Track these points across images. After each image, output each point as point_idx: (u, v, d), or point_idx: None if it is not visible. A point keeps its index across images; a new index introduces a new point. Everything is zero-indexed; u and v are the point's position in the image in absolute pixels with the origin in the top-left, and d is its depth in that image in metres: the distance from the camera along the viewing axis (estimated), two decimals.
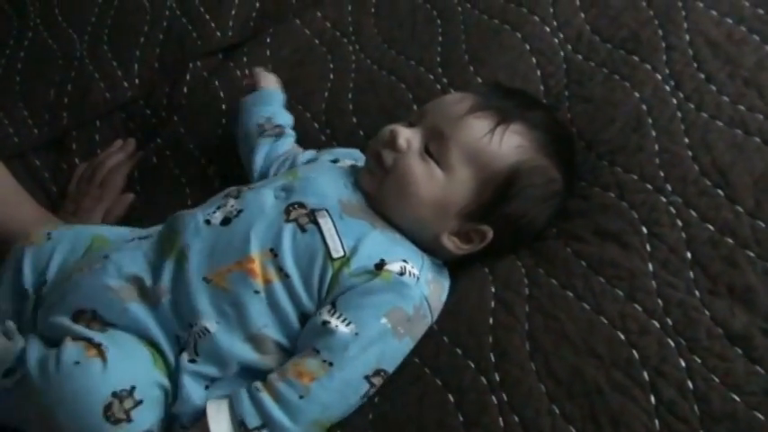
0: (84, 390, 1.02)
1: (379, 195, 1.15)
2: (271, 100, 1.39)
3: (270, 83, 1.40)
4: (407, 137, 1.15)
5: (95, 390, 1.02)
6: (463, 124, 1.14)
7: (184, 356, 1.08)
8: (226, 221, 1.12)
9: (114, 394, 1.02)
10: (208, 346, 1.07)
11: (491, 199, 1.13)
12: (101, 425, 1.01)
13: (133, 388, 1.04)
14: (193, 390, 1.07)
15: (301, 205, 1.12)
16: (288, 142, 1.36)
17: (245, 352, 1.08)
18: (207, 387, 1.08)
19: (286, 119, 1.38)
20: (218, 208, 1.14)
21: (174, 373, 1.08)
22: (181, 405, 1.07)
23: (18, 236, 1.24)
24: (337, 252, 1.09)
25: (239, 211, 1.13)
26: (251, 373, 1.08)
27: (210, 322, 1.08)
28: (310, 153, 1.33)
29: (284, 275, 1.08)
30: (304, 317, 1.08)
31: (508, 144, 1.14)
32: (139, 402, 1.03)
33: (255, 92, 1.39)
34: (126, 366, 1.05)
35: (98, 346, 1.04)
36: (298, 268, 1.08)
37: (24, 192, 1.38)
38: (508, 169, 1.13)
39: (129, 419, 1.02)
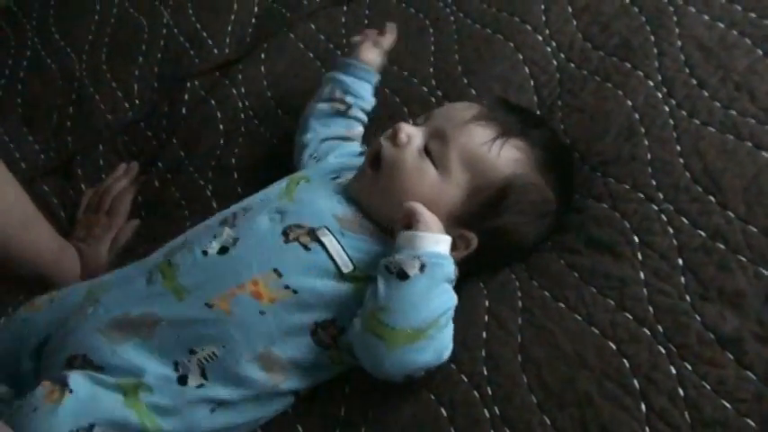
0: (43, 429, 1.04)
1: (372, 190, 1.16)
2: (356, 73, 1.36)
3: (368, 56, 1.37)
4: (409, 133, 1.16)
5: (50, 429, 1.04)
6: (465, 129, 1.15)
7: (190, 383, 1.08)
8: (223, 251, 1.13)
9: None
10: (218, 369, 1.08)
11: (480, 208, 1.13)
12: None
13: (92, 426, 1.04)
14: (201, 414, 1.08)
15: (298, 226, 1.13)
16: (346, 124, 1.35)
17: (254, 372, 1.08)
18: (213, 410, 1.08)
19: (362, 99, 1.36)
20: (215, 237, 1.14)
21: (170, 404, 1.08)
22: (189, 428, 1.08)
23: (35, 260, 1.29)
24: (347, 267, 1.10)
25: (236, 240, 1.13)
26: (260, 395, 1.09)
27: (217, 346, 1.08)
28: (352, 150, 1.32)
29: (292, 291, 1.09)
30: (317, 326, 1.09)
31: (506, 156, 1.14)
32: None
33: (348, 59, 1.37)
34: (84, 407, 1.05)
35: (64, 389, 1.05)
36: (306, 283, 1.09)
37: (42, 217, 1.39)
38: (502, 181, 1.13)
39: None
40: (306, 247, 1.11)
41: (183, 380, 1.08)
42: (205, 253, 1.13)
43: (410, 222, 1.08)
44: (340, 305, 1.09)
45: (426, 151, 1.14)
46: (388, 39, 1.39)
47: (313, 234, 1.11)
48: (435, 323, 1.04)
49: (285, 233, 1.12)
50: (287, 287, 1.08)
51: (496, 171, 1.13)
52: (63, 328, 1.15)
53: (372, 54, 1.37)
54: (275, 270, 1.09)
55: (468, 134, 1.15)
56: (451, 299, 1.06)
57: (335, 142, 1.33)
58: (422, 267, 1.04)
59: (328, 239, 1.11)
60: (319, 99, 1.36)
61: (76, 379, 1.07)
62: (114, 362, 1.08)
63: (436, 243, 1.07)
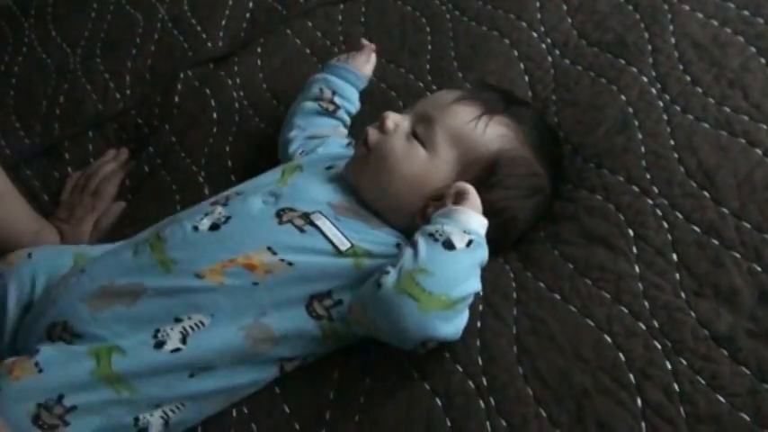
0: (9, 406, 1.04)
1: (363, 177, 1.17)
2: (347, 77, 1.38)
3: (359, 65, 1.39)
4: (396, 120, 1.18)
5: (16, 405, 1.04)
6: (450, 109, 1.17)
7: (166, 347, 1.08)
8: (214, 227, 1.13)
9: (39, 405, 1.04)
10: (201, 337, 1.08)
11: (471, 184, 1.13)
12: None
13: (61, 396, 1.05)
14: (177, 378, 1.08)
15: (292, 209, 1.14)
16: (332, 123, 1.36)
17: (238, 342, 1.09)
18: (191, 375, 1.09)
19: (349, 102, 1.38)
20: (206, 215, 1.15)
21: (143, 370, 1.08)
22: (166, 392, 1.08)
23: (11, 238, 1.27)
24: (344, 245, 1.10)
25: (227, 218, 1.14)
26: (242, 359, 1.10)
27: (205, 315, 1.09)
28: (339, 143, 1.33)
29: (287, 263, 1.09)
30: (313, 298, 1.10)
31: (492, 132, 1.16)
32: (72, 408, 1.05)
33: (339, 63, 1.39)
34: (49, 379, 1.06)
35: (31, 363, 1.06)
36: (303, 258, 1.10)
37: (20, 196, 1.38)
38: (490, 156, 1.15)
39: (65, 423, 1.04)
40: (300, 229, 1.11)
41: (159, 345, 1.08)
42: (196, 228, 1.13)
43: (459, 200, 1.09)
44: (338, 277, 1.10)
45: (414, 135, 1.17)
46: (373, 61, 1.41)
47: (307, 218, 1.12)
48: (465, 300, 1.05)
49: (279, 215, 1.13)
50: (282, 260, 1.09)
51: (484, 147, 1.15)
52: (46, 298, 1.15)
53: (363, 64, 1.40)
54: (269, 248, 1.10)
55: (454, 114, 1.17)
56: (479, 284, 1.08)
57: (321, 139, 1.34)
58: (468, 243, 1.05)
59: (322, 222, 1.12)
60: (306, 98, 1.37)
61: (46, 351, 1.07)
62: (93, 329, 1.09)
63: (482, 226, 1.08)
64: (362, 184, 1.18)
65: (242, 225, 1.13)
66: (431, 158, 1.15)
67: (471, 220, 1.07)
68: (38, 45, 1.70)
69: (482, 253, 1.08)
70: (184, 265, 1.10)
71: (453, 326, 1.05)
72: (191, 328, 1.08)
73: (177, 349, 1.08)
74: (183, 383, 1.09)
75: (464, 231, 1.06)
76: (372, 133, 1.18)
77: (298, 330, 1.10)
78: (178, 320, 1.09)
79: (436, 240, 1.05)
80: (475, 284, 1.07)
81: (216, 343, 1.08)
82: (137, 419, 1.08)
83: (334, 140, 1.34)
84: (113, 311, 1.10)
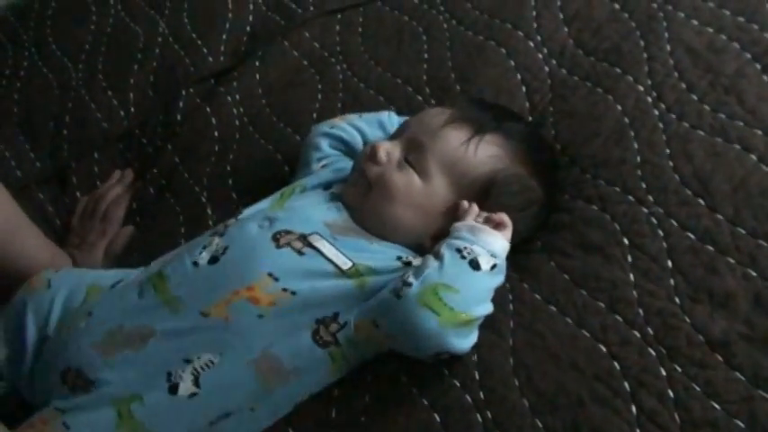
0: None
1: (365, 208, 1.17)
2: (384, 129, 1.34)
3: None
4: (387, 149, 1.18)
5: None
6: (440, 135, 1.17)
7: (181, 392, 1.07)
8: (213, 260, 1.13)
9: None
10: (213, 376, 1.08)
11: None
12: None
13: None
14: (198, 426, 1.08)
15: (288, 232, 1.13)
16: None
17: (249, 377, 1.08)
18: (212, 424, 1.08)
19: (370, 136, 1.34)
20: (204, 248, 1.15)
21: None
22: None
23: (25, 270, 1.26)
24: (345, 264, 1.10)
25: (225, 248, 1.13)
26: (257, 404, 1.10)
27: (213, 354, 1.08)
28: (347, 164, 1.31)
29: (290, 293, 1.09)
30: (318, 323, 1.09)
31: (483, 153, 1.16)
32: None
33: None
34: None
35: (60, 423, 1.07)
36: (305, 285, 1.09)
37: (33, 225, 1.39)
38: (484, 177, 1.15)
39: None
40: (299, 252, 1.11)
41: (173, 389, 1.07)
42: (196, 264, 1.13)
43: (498, 229, 1.10)
44: (343, 300, 1.09)
45: (407, 162, 1.17)
46: None
47: (305, 240, 1.12)
48: (480, 319, 1.07)
49: (275, 238, 1.13)
50: (285, 290, 1.09)
51: (477, 170, 1.16)
52: (58, 338, 1.15)
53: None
54: (270, 274, 1.09)
55: (443, 139, 1.17)
56: (492, 306, 1.09)
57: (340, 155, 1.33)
58: (493, 267, 1.07)
59: (321, 243, 1.12)
60: (335, 136, 1.34)
61: (71, 412, 1.08)
62: (107, 376, 1.09)
63: (504, 250, 1.09)
64: (366, 217, 1.17)
65: (240, 252, 1.13)
66: (426, 186, 1.16)
67: (496, 243, 1.08)
68: (38, 59, 1.70)
69: (501, 278, 1.10)
70: (190, 304, 1.10)
71: (468, 341, 1.07)
72: (201, 368, 1.08)
73: (193, 394, 1.07)
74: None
75: (491, 254, 1.07)
76: (370, 168, 1.17)
77: (306, 359, 1.09)
78: (188, 361, 1.08)
79: (464, 258, 1.06)
80: (490, 306, 1.08)
81: (227, 381, 1.08)
82: None
83: (346, 162, 1.32)
84: (124, 357, 1.09)
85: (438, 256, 1.06)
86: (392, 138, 1.22)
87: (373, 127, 1.34)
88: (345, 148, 1.33)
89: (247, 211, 1.22)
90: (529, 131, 1.24)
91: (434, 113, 1.22)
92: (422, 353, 1.06)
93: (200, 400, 1.07)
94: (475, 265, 1.05)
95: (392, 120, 1.35)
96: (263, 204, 1.23)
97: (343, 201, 1.20)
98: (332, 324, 1.09)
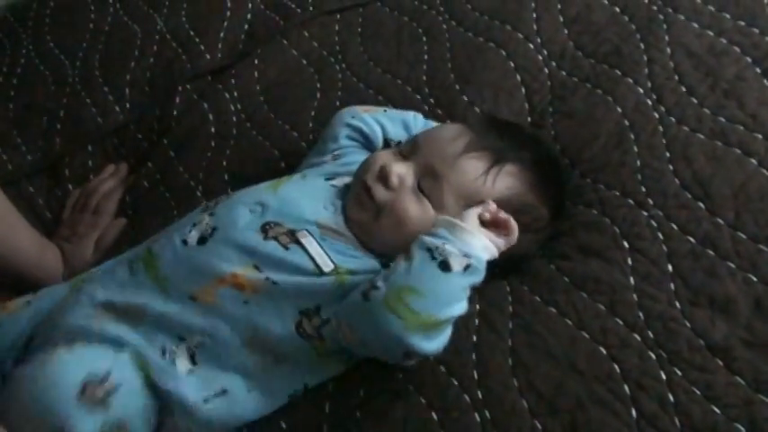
0: (57, 374, 1.05)
1: (373, 232, 1.15)
2: (407, 128, 1.33)
3: None
4: (400, 173, 1.15)
5: (67, 374, 1.05)
6: (457, 165, 1.14)
7: (181, 367, 1.08)
8: (202, 241, 1.13)
9: (87, 378, 1.04)
10: (208, 354, 1.09)
11: None
12: (76, 407, 1.03)
13: (108, 373, 1.05)
14: (196, 398, 1.08)
15: (278, 224, 1.13)
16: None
17: (242, 356, 1.09)
18: (206, 400, 1.09)
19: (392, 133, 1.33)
20: (194, 225, 1.15)
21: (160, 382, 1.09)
22: (182, 414, 1.08)
23: (13, 262, 1.26)
24: (327, 266, 1.10)
25: (213, 230, 1.14)
26: (250, 379, 1.10)
27: (204, 336, 1.09)
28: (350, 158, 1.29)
29: (272, 283, 1.09)
30: (302, 315, 1.09)
31: (500, 185, 1.14)
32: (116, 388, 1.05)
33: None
34: (97, 355, 1.07)
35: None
36: (285, 278, 1.09)
37: (21, 217, 1.39)
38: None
39: (105, 405, 1.04)
40: (285, 247, 1.11)
41: (171, 363, 1.09)
42: (185, 242, 1.14)
43: (493, 224, 1.08)
44: (323, 295, 1.09)
45: (419, 188, 1.14)
46: None
47: (293, 236, 1.12)
48: (450, 320, 1.04)
49: (264, 229, 1.13)
50: (267, 279, 1.09)
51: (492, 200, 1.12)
52: (47, 324, 1.15)
53: None
54: (255, 266, 1.10)
55: (461, 170, 1.14)
56: (466, 306, 1.05)
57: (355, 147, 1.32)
58: (466, 267, 1.04)
59: (308, 241, 1.11)
60: (356, 128, 1.32)
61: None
62: (106, 334, 1.09)
63: (484, 250, 1.06)
64: (372, 239, 1.15)
65: (228, 239, 1.13)
66: (439, 215, 1.12)
67: (475, 243, 1.05)
68: (35, 57, 1.70)
69: (477, 278, 1.06)
70: (178, 286, 1.11)
71: (436, 343, 1.04)
72: (195, 346, 1.09)
73: (191, 371, 1.09)
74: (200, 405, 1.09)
75: (464, 254, 1.04)
76: (380, 191, 1.15)
77: (291, 349, 1.09)
78: (182, 339, 1.09)
79: (433, 259, 1.03)
80: (462, 306, 1.05)
81: (222, 360, 1.09)
82: None
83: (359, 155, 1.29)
84: (120, 327, 1.10)
85: (408, 258, 1.05)
86: (402, 153, 1.18)
87: (397, 126, 1.32)
88: (364, 141, 1.31)
89: (240, 192, 1.22)
90: (543, 157, 1.20)
91: (449, 136, 1.17)
92: (390, 356, 1.05)
93: (196, 376, 1.09)
94: (445, 266, 1.03)
95: (417, 122, 1.33)
96: (258, 186, 1.22)
97: (346, 215, 1.17)
98: (314, 318, 1.09)
